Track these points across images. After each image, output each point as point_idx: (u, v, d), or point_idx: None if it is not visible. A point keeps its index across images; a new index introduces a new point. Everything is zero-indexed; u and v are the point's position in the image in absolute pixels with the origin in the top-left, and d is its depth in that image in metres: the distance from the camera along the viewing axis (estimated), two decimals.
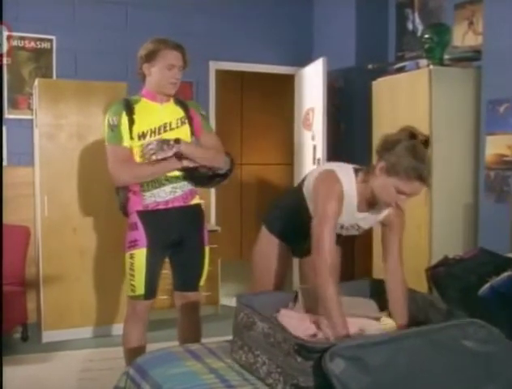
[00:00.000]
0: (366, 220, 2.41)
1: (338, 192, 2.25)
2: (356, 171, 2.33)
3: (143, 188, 2.81)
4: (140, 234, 2.81)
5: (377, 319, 2.25)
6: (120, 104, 2.81)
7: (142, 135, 2.77)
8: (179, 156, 2.80)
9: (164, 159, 2.76)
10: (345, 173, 2.31)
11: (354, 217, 2.37)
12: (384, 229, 2.44)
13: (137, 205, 2.84)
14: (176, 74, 2.82)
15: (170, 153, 2.74)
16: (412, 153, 2.11)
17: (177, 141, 2.76)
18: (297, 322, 2.09)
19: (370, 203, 2.33)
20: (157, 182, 2.81)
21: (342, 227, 2.42)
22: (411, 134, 2.16)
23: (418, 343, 1.81)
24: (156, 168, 2.78)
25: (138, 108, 2.80)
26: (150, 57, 2.80)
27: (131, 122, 2.76)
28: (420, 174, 2.11)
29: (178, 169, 2.83)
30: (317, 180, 2.35)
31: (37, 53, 4.77)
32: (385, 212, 2.38)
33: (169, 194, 2.84)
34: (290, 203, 2.60)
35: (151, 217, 2.83)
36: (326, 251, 2.17)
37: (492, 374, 1.82)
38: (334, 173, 2.30)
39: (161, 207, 2.83)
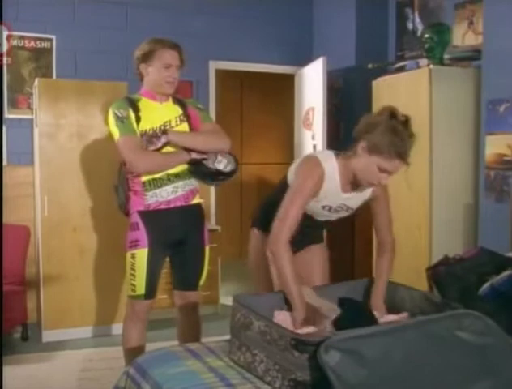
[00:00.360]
0: (353, 199, 2.49)
1: (318, 174, 2.35)
2: (337, 154, 2.42)
3: (145, 188, 2.80)
4: (141, 234, 2.81)
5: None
6: (124, 101, 2.80)
7: (145, 134, 2.77)
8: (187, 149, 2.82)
9: (160, 149, 2.76)
10: (326, 157, 2.41)
11: (340, 197, 2.45)
12: (371, 206, 2.54)
13: (138, 205, 2.83)
14: (173, 73, 2.82)
15: (159, 144, 2.74)
16: (393, 132, 2.19)
17: (165, 131, 2.75)
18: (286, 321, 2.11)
19: (354, 184, 2.41)
20: (159, 182, 2.80)
21: (330, 209, 2.50)
22: (392, 114, 2.23)
23: (413, 334, 1.81)
24: (170, 158, 2.78)
25: (141, 106, 2.80)
26: (146, 57, 2.80)
27: (137, 119, 2.75)
28: (400, 152, 2.19)
29: (187, 162, 2.83)
30: (299, 165, 2.46)
31: (37, 53, 4.78)
32: (370, 190, 2.47)
33: (171, 193, 2.83)
34: (275, 196, 2.59)
35: (153, 217, 2.82)
36: (289, 223, 2.29)
37: (488, 367, 1.82)
38: (316, 157, 2.41)
39: (163, 206, 2.83)
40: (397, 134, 2.19)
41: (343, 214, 2.56)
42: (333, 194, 2.41)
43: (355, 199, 2.49)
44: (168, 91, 2.85)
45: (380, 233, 2.56)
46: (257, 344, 1.94)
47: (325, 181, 2.36)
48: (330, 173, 2.36)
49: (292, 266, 2.25)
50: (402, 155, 2.20)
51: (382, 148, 2.19)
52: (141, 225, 2.81)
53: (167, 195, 2.82)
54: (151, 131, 2.77)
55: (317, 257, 2.80)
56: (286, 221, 2.29)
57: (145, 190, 2.81)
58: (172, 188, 2.83)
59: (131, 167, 2.76)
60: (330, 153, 2.44)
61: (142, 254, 2.81)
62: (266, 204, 2.74)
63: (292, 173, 2.49)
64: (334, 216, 2.57)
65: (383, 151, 2.19)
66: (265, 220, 2.59)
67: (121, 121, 2.72)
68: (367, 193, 2.47)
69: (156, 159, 2.75)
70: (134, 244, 2.82)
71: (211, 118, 3.16)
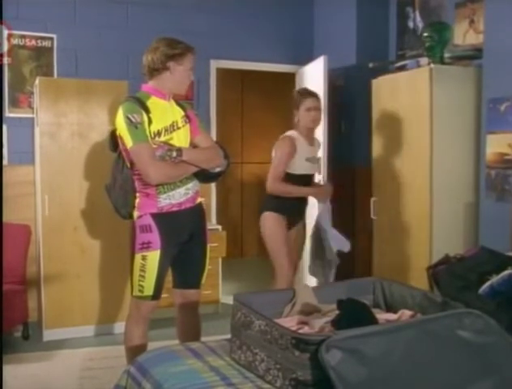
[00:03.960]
0: (317, 149, 3.96)
1: (290, 141, 3.74)
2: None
3: (159, 190, 2.81)
4: (154, 236, 2.80)
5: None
6: (135, 104, 2.75)
7: (158, 134, 2.77)
8: None
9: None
10: (288, 132, 3.86)
11: (310, 149, 3.84)
12: None
13: (150, 207, 2.82)
14: (192, 75, 2.94)
15: (173, 161, 2.77)
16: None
17: (179, 152, 2.76)
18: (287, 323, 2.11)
19: (310, 137, 3.87)
20: (172, 184, 2.82)
21: (309, 159, 3.77)
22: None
23: (414, 333, 1.81)
24: (182, 170, 2.80)
25: (151, 106, 2.78)
26: (178, 56, 2.81)
27: (149, 121, 2.74)
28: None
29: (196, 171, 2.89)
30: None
31: (38, 52, 4.78)
32: (320, 144, 4.09)
33: (183, 195, 2.86)
34: None
35: (166, 219, 2.83)
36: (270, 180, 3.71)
37: (489, 366, 1.82)
38: (284, 135, 3.84)
39: (175, 208, 2.84)
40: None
41: (316, 164, 3.92)
42: (304, 146, 3.76)
43: (318, 150, 3.98)
44: (184, 93, 2.99)
45: None
46: (257, 343, 1.94)
47: (296, 140, 3.73)
48: (293, 135, 3.77)
49: (293, 186, 3.72)
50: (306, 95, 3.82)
51: (295, 101, 3.83)
52: (154, 227, 2.80)
53: (179, 197, 2.85)
54: (164, 144, 2.76)
55: (299, 234, 3.93)
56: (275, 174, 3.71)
57: (158, 193, 2.81)
58: (185, 190, 2.86)
59: (145, 177, 2.76)
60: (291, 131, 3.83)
61: (154, 256, 2.80)
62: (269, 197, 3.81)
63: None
64: (314, 167, 3.85)
65: (297, 102, 3.79)
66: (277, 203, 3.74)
67: (135, 126, 2.69)
68: (320, 145, 4.09)
69: (169, 172, 2.77)
70: (146, 246, 2.81)
71: (205, 127, 3.22)
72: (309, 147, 3.81)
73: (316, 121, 3.83)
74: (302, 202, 3.87)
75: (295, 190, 3.72)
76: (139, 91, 2.90)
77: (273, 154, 3.77)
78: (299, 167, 3.74)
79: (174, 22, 5.02)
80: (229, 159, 3.09)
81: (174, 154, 2.74)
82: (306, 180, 3.82)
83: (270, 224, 3.75)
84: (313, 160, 3.84)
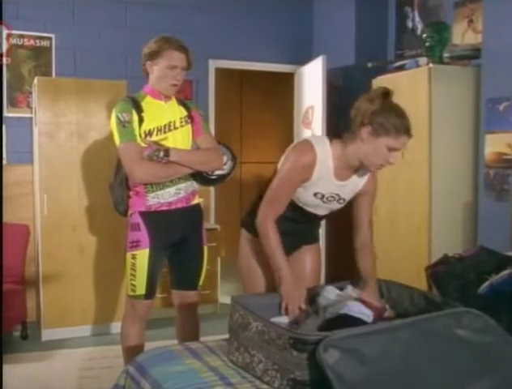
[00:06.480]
0: (346, 188, 2.47)
1: (309, 158, 2.35)
2: (331, 140, 2.47)
3: (147, 189, 2.80)
4: (143, 235, 2.80)
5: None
6: (127, 103, 2.77)
7: (149, 133, 2.76)
8: None
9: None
10: (320, 141, 2.44)
11: (333, 184, 2.42)
12: (356, 201, 2.54)
13: (139, 205, 2.82)
14: (177, 74, 2.80)
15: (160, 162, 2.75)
16: (394, 111, 2.31)
17: (166, 152, 2.73)
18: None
19: (348, 171, 2.43)
20: (161, 183, 2.80)
21: (322, 197, 2.45)
22: (385, 95, 2.34)
23: (412, 332, 1.81)
24: (172, 170, 2.77)
25: (145, 106, 2.78)
26: (153, 55, 2.78)
27: (140, 120, 2.74)
28: (406, 127, 2.29)
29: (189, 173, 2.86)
30: (291, 149, 2.46)
31: (37, 52, 4.77)
32: (364, 180, 2.49)
33: (173, 195, 2.84)
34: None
35: (154, 218, 2.82)
36: (275, 209, 2.37)
37: (487, 365, 1.81)
38: (309, 141, 2.42)
39: (164, 208, 2.83)
40: (397, 112, 2.30)
41: (335, 205, 2.53)
42: (325, 179, 2.39)
43: (348, 189, 2.46)
44: (169, 93, 2.84)
45: (361, 230, 2.57)
46: (255, 344, 1.94)
47: (316, 165, 2.34)
48: (322, 158, 2.35)
49: (279, 244, 2.33)
50: (408, 130, 2.28)
51: (390, 129, 2.25)
52: (142, 226, 2.80)
53: (169, 197, 2.82)
54: (153, 144, 2.74)
55: (309, 255, 2.71)
56: (272, 206, 2.35)
57: (147, 192, 2.80)
58: (175, 190, 2.84)
59: (129, 176, 2.77)
60: (324, 138, 2.49)
61: (143, 255, 2.80)
62: (255, 205, 2.61)
63: (282, 160, 2.45)
64: (325, 207, 2.52)
65: (391, 132, 2.25)
66: (253, 222, 2.51)
67: (123, 125, 2.70)
68: (359, 184, 2.48)
69: (155, 172, 2.74)
70: (136, 244, 2.81)
71: (209, 129, 3.18)
72: (334, 182, 2.42)
73: (380, 166, 2.37)
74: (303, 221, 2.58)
75: (272, 251, 2.36)
76: (138, 92, 2.90)
77: (281, 161, 2.46)
78: (300, 197, 2.46)
79: (173, 22, 5.02)
80: (236, 160, 3.05)
81: (161, 154, 2.72)
82: (302, 216, 2.53)
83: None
84: (328, 198, 2.46)
